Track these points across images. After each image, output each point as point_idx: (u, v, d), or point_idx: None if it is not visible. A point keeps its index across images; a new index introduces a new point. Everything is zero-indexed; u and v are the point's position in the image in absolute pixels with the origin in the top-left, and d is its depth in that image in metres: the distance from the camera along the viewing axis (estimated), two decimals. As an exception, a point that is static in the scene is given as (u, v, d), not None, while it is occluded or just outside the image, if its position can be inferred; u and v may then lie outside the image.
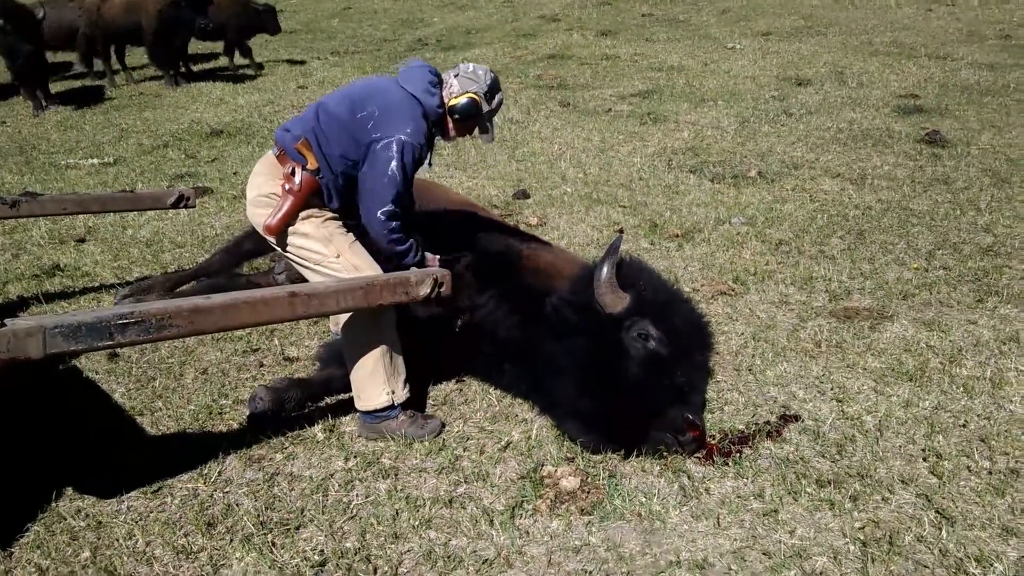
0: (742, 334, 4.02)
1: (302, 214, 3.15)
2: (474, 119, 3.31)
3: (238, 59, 13.17)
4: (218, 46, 13.38)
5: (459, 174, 6.97)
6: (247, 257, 4.62)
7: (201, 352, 3.91)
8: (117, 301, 4.27)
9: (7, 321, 2.41)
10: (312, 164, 3.13)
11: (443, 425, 3.28)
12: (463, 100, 3.24)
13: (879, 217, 5.58)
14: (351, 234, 3.24)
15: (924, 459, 2.99)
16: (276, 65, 12.87)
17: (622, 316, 3.08)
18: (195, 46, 12.87)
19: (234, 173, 7.09)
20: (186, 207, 4.66)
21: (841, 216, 5.63)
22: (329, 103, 3.24)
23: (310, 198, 3.16)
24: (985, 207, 5.69)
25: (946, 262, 4.81)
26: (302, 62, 13.18)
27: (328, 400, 3.49)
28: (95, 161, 7.60)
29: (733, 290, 4.52)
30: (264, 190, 3.19)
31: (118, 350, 3.83)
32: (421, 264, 3.26)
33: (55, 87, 11.08)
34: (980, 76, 9.94)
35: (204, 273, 4.45)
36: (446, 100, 3.26)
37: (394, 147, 3.06)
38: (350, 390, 3.29)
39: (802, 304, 4.34)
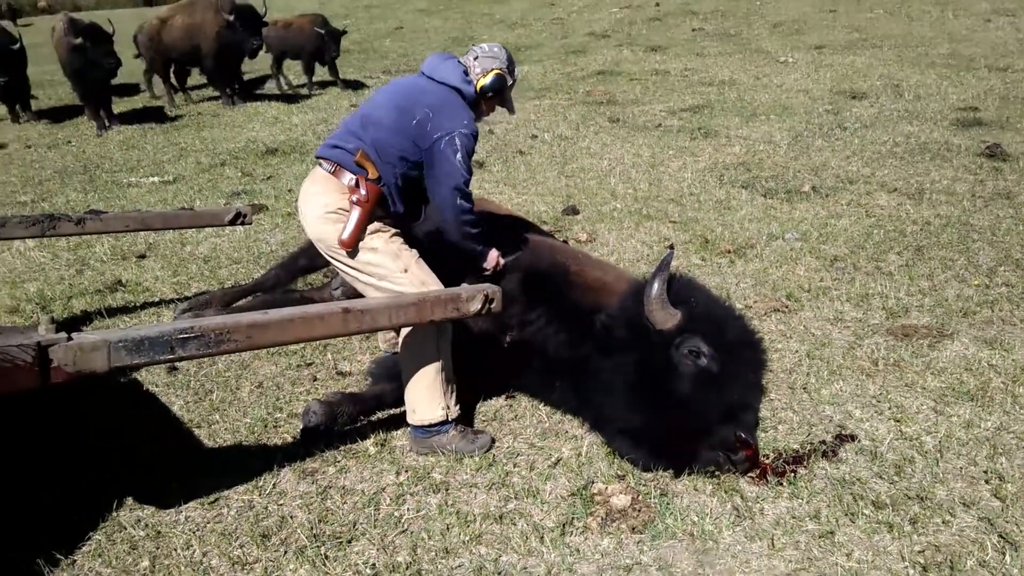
0: (796, 352, 3.95)
1: (370, 228, 3.21)
2: (500, 94, 3.45)
3: (297, 78, 13.51)
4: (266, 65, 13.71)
5: (509, 190, 7.00)
6: (302, 273, 4.71)
7: (257, 366, 3.99)
8: (176, 316, 4.39)
9: (73, 335, 2.50)
10: (373, 173, 3.20)
11: (493, 441, 3.29)
12: (490, 78, 3.40)
13: (938, 233, 5.44)
14: (415, 250, 3.31)
15: (986, 481, 2.90)
16: (329, 84, 13.12)
17: (673, 333, 3.05)
18: (255, 65, 13.19)
19: (289, 190, 7.23)
20: (243, 224, 4.76)
21: (898, 232, 5.51)
22: (374, 114, 3.33)
23: (376, 208, 3.22)
24: (1050, 222, 5.52)
25: (1008, 279, 4.67)
26: (355, 81, 13.42)
27: (380, 414, 3.52)
28: (155, 179, 7.84)
29: (787, 307, 4.46)
30: (331, 207, 3.22)
31: (178, 363, 3.93)
32: (485, 256, 3.47)
33: (117, 108, 11.45)
34: (1043, 87, 9.68)
35: (260, 288, 4.55)
36: (475, 83, 3.41)
37: (457, 141, 3.20)
38: (401, 405, 3.32)
39: (858, 321, 4.25)
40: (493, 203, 4.79)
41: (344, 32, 12.89)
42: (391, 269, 3.20)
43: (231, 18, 10.84)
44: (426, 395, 3.19)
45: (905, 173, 6.80)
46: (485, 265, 3.50)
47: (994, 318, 4.21)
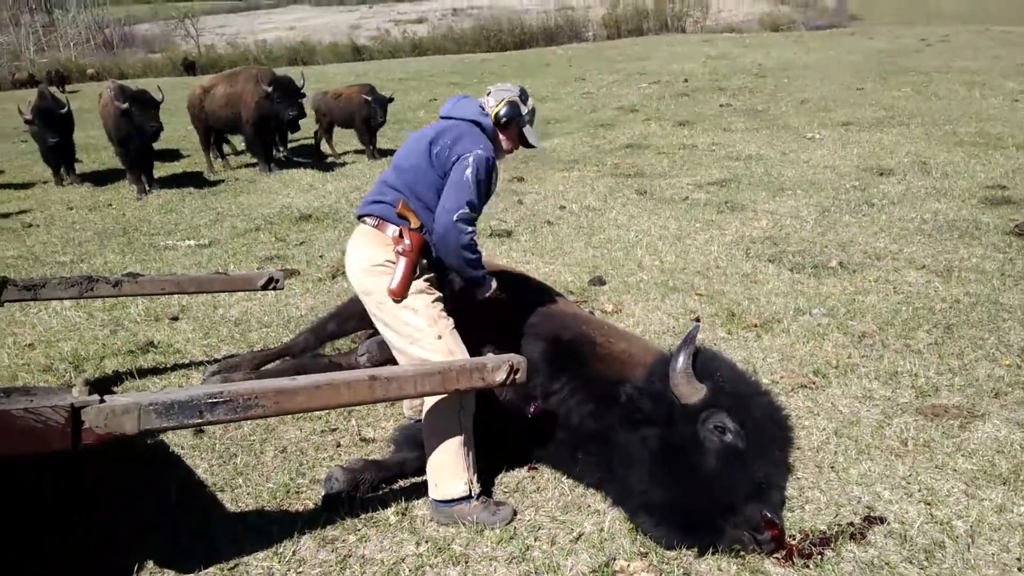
0: (824, 429, 3.91)
1: (415, 287, 3.28)
2: (514, 121, 3.55)
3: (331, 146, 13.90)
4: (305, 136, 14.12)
5: (536, 260, 7.08)
6: (330, 338, 4.77)
7: (281, 430, 4.02)
8: (205, 378, 4.45)
9: (106, 398, 2.56)
10: (415, 222, 3.32)
11: (515, 512, 3.26)
12: (504, 107, 3.52)
13: (968, 311, 5.40)
14: (452, 320, 3.36)
15: (1019, 569, 2.83)
16: (362, 153, 13.44)
17: (698, 407, 3.05)
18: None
19: (320, 256, 7.37)
20: (275, 289, 4.87)
21: (927, 309, 5.48)
22: (402, 164, 3.51)
23: (420, 257, 3.32)
24: (1082, 303, 5.45)
25: (1041, 360, 4.61)
26: (390, 151, 13.73)
27: (402, 483, 3.52)
28: (192, 243, 8.03)
29: (814, 383, 4.42)
30: (376, 259, 3.32)
31: (204, 426, 3.97)
32: (484, 284, 3.51)
33: (158, 172, 11.80)
34: (1073, 167, 9.65)
35: (289, 352, 4.61)
36: (491, 114, 3.54)
37: (470, 159, 3.29)
38: (423, 474, 3.32)
39: (887, 400, 4.20)
40: (519, 272, 4.85)
41: (391, 99, 13.33)
42: (426, 333, 3.24)
43: (270, 89, 11.22)
44: (449, 470, 3.20)
45: (933, 250, 6.77)
46: (482, 294, 3.53)
47: (1026, 399, 4.14)
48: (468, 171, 3.28)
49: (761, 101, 16.66)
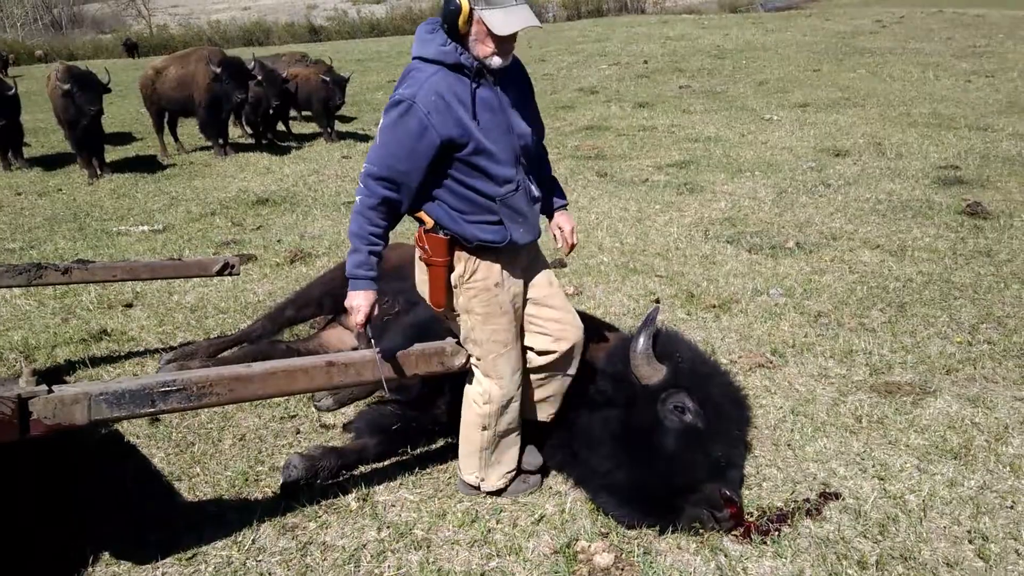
0: (780, 408, 3.96)
1: (457, 279, 2.94)
2: (463, 15, 2.63)
3: (301, 127, 13.66)
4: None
5: (497, 243, 7.05)
6: (288, 324, 4.71)
7: (240, 418, 3.97)
8: (161, 366, 4.37)
9: (54, 388, 2.49)
10: (428, 222, 2.88)
11: (542, 479, 3.35)
12: (443, 9, 2.71)
13: (920, 290, 5.51)
14: (492, 309, 2.96)
15: (970, 541, 2.90)
16: (321, 135, 13.26)
17: (658, 388, 3.07)
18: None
19: (278, 241, 7.26)
20: (231, 275, 4.78)
21: (881, 288, 5.57)
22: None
23: (449, 256, 2.90)
24: (1030, 280, 5.59)
25: (990, 336, 4.71)
26: (347, 133, 13.58)
27: (363, 469, 3.49)
28: (145, 228, 7.86)
29: (771, 363, 4.48)
30: (417, 272, 3.07)
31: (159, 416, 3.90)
32: (355, 285, 2.85)
33: (110, 156, 11.53)
34: (1022, 147, 9.87)
35: (246, 339, 4.54)
36: (441, 31, 2.75)
37: (386, 110, 2.76)
38: (384, 459, 3.31)
39: (842, 378, 4.27)
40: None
41: (347, 79, 13.11)
42: (468, 326, 3.01)
43: (218, 70, 11.00)
44: (467, 459, 3.23)
45: (888, 230, 6.89)
46: (348, 301, 2.86)
47: (976, 376, 4.24)
48: (382, 122, 2.77)
49: (720, 82, 16.77)
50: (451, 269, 2.93)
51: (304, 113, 14.58)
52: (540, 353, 3.11)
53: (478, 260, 2.92)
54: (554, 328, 3.09)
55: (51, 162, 11.78)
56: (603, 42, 26.20)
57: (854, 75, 16.64)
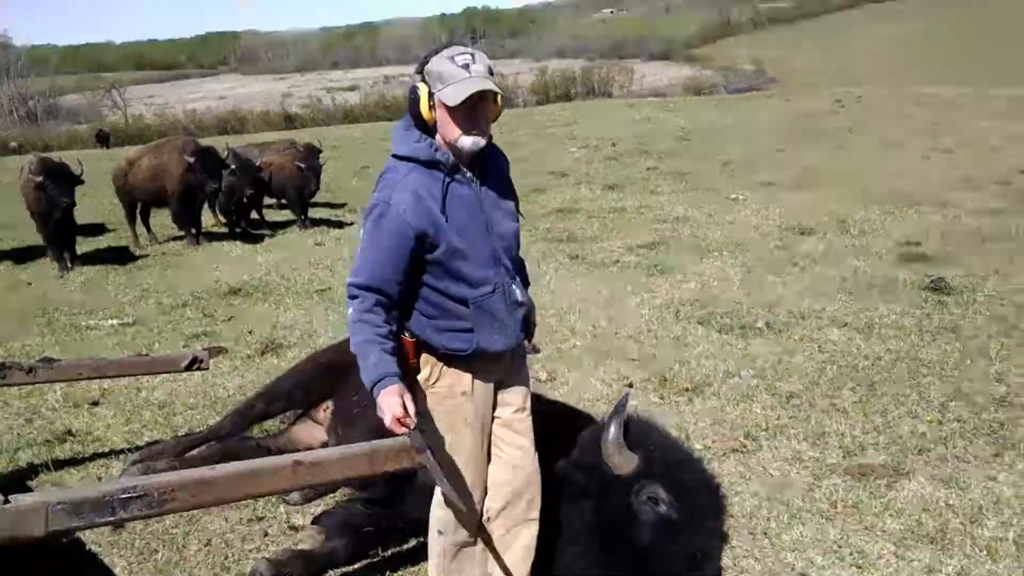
0: (756, 494, 3.94)
1: (431, 397, 2.87)
2: (421, 102, 2.64)
3: (280, 215, 13.73)
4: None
5: (470, 329, 7.05)
6: (258, 419, 4.63)
7: (206, 521, 3.87)
8: (126, 468, 4.27)
9: (11, 497, 2.42)
10: (405, 327, 2.81)
11: None
12: (409, 99, 2.71)
13: (889, 368, 5.57)
14: (455, 417, 2.87)
15: (951, 632, 2.86)
16: (295, 223, 13.33)
17: (631, 478, 3.04)
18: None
19: (249, 332, 7.22)
20: (199, 369, 4.73)
21: (851, 367, 5.63)
22: None
23: (416, 358, 2.84)
24: (996, 355, 5.68)
25: (960, 414, 4.76)
26: (320, 220, 13.67)
27: (332, 573, 3.40)
28: (115, 322, 7.79)
29: (745, 447, 4.48)
30: None
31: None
32: (379, 370, 2.63)
33: (82, 248, 11.49)
34: (981, 222, 10.13)
35: (215, 436, 4.46)
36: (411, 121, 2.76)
37: (365, 215, 2.76)
38: (355, 562, 3.23)
39: (816, 461, 4.27)
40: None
41: (321, 166, 13.22)
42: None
43: (192, 160, 11.11)
44: (431, 559, 3.10)
45: (855, 308, 7.00)
46: (379, 412, 2.63)
47: (948, 455, 4.26)
48: (363, 231, 2.74)
49: (686, 163, 17.16)
50: (418, 371, 2.85)
51: (279, 200, 14.67)
52: (497, 484, 2.98)
53: (444, 367, 2.84)
54: (515, 456, 2.99)
55: (22, 255, 11.69)
56: (572, 126, 26.86)
57: (816, 154, 17.11)
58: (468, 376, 2.85)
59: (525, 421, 3.04)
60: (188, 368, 4.66)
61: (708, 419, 4.89)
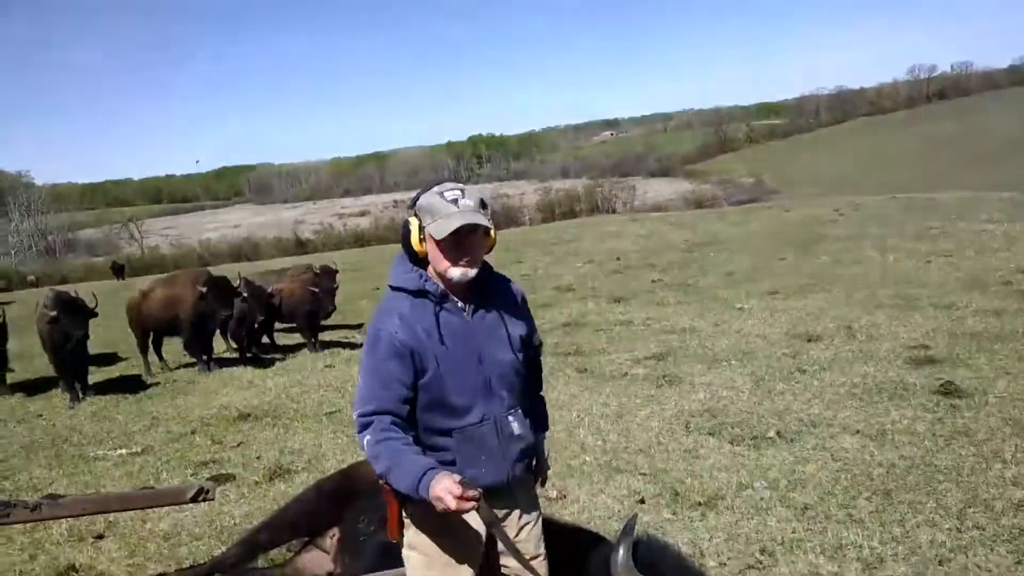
0: (774, 613, 3.82)
1: (408, 517, 2.82)
2: (412, 239, 2.74)
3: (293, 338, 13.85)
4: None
5: (479, 448, 7.00)
6: (264, 549, 4.58)
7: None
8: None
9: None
10: None
11: None
12: (403, 236, 2.81)
13: (904, 475, 5.47)
14: (434, 552, 2.80)
15: None
16: (305, 346, 13.44)
17: (642, 604, 2.97)
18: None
19: (257, 457, 7.18)
20: (205, 500, 4.68)
21: (865, 475, 5.54)
22: None
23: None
24: (1011, 458, 5.58)
25: (979, 521, 4.64)
26: (330, 342, 13.79)
27: None
28: (123, 451, 7.77)
29: (761, 563, 4.36)
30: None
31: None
32: (418, 468, 2.52)
33: (94, 377, 11.59)
34: (987, 323, 10.14)
35: (220, 568, 4.41)
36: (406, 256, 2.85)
37: (363, 348, 2.80)
38: None
39: None
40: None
41: (337, 286, 13.41)
42: (410, 565, 2.87)
43: (204, 290, 11.35)
44: None
45: (866, 414, 6.93)
46: (442, 500, 2.45)
47: (969, 564, 4.14)
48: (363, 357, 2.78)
49: (691, 275, 17.38)
50: (406, 499, 2.73)
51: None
52: None
53: None
54: None
55: (34, 387, 11.80)
56: (577, 241, 27.38)
57: (818, 261, 17.33)
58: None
59: (543, 566, 2.98)
60: (194, 500, 4.61)
61: (722, 534, 4.79)
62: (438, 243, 2.67)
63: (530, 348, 3.03)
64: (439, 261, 2.71)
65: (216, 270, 13.40)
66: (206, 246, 52.62)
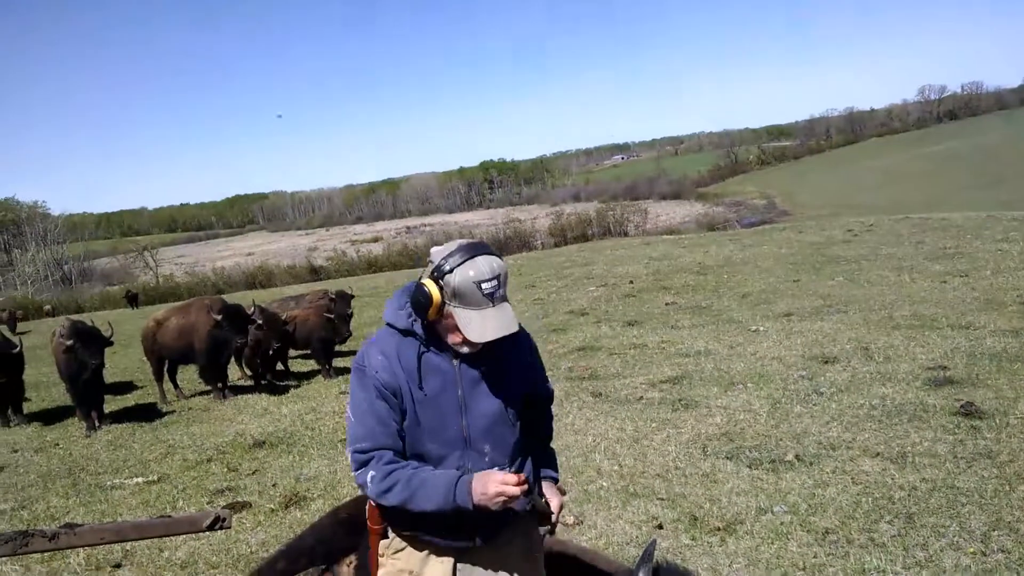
0: (797, 639, 3.76)
1: (383, 549, 2.75)
2: (429, 309, 2.46)
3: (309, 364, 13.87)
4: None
5: (495, 473, 6.96)
6: (280, 577, 4.55)
7: None
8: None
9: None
10: None
11: None
12: (417, 294, 2.49)
13: (926, 498, 5.40)
14: None
15: None
16: (319, 372, 13.46)
17: (662, 631, 2.94)
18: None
19: (273, 485, 7.17)
20: (222, 528, 4.66)
21: (887, 499, 5.47)
22: None
23: (383, 524, 2.74)
24: (1035, 480, 5.51)
25: (1003, 544, 4.57)
26: (344, 368, 13.80)
27: None
28: (139, 480, 7.78)
29: (782, 588, 4.30)
30: None
31: None
32: (444, 481, 2.46)
33: (110, 406, 11.63)
34: (1006, 343, 10.04)
35: (236, 597, 4.38)
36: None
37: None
38: None
39: (858, 600, 4.09)
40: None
41: (352, 312, 13.45)
42: None
43: (219, 318, 11.42)
44: None
45: (885, 436, 6.86)
46: (487, 496, 2.40)
47: (996, 589, 4.07)
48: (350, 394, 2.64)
49: (704, 297, 17.32)
50: (384, 536, 2.72)
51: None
52: None
53: (399, 539, 2.70)
54: None
55: (50, 416, 11.86)
56: (590, 265, 27.37)
57: (833, 283, 17.23)
58: (420, 555, 2.67)
59: None
60: (210, 528, 4.59)
61: (743, 560, 4.73)
62: (457, 327, 2.46)
63: (533, 401, 2.87)
64: (453, 337, 2.52)
65: (230, 297, 13.46)
66: (220, 274, 52.92)
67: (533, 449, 2.90)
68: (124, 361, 16.48)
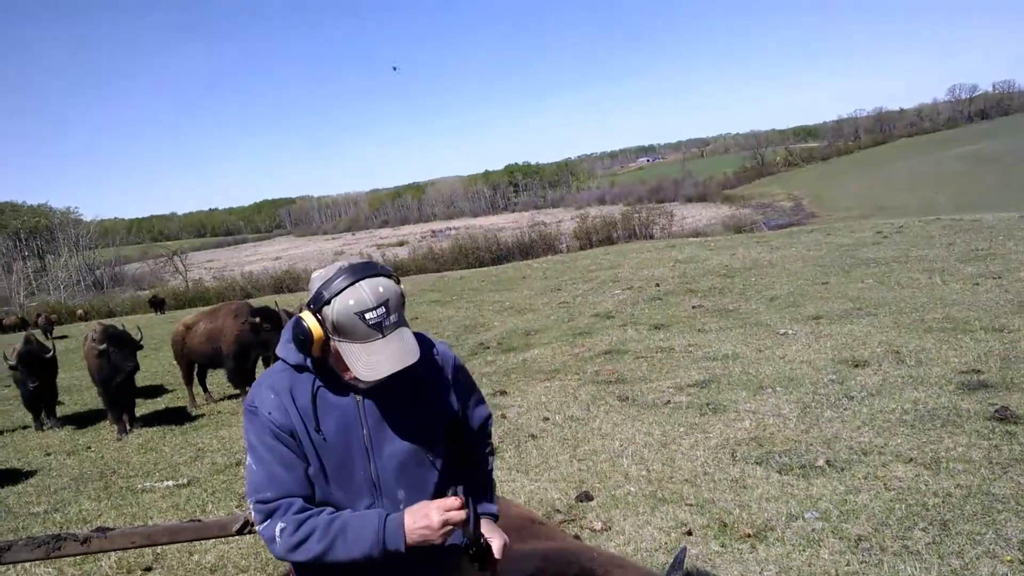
0: (830, 649, 3.70)
1: None
2: (312, 345, 2.20)
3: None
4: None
5: (521, 477, 6.96)
6: (308, 581, 4.57)
7: None
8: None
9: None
10: None
11: None
12: (296, 325, 2.24)
13: (961, 505, 5.30)
14: None
15: None
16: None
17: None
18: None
19: (301, 489, 7.21)
20: (251, 532, 4.71)
21: (920, 505, 5.37)
22: None
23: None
24: (1074, 488, 5.39)
25: (1043, 553, 4.48)
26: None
27: None
28: (170, 483, 7.86)
29: (814, 596, 4.24)
30: None
31: None
32: (373, 523, 2.18)
33: (140, 410, 11.78)
34: (1041, 346, 9.86)
35: (264, 601, 4.39)
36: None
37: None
38: None
39: (892, 610, 4.02)
40: (503, 501, 4.75)
41: None
42: None
43: (257, 320, 11.52)
44: None
45: (918, 441, 6.75)
46: (424, 525, 2.15)
47: (1036, 599, 3.98)
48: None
49: (731, 300, 17.18)
50: None
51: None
52: None
53: None
54: None
55: (82, 420, 12.04)
56: (615, 268, 27.28)
57: (862, 285, 17.01)
58: None
59: None
60: (240, 532, 4.63)
61: (773, 567, 4.67)
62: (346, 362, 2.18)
63: (461, 430, 2.54)
64: (345, 372, 2.23)
65: (258, 301, 13.58)
66: (248, 278, 53.47)
67: (466, 480, 2.56)
68: (154, 365, 16.69)
